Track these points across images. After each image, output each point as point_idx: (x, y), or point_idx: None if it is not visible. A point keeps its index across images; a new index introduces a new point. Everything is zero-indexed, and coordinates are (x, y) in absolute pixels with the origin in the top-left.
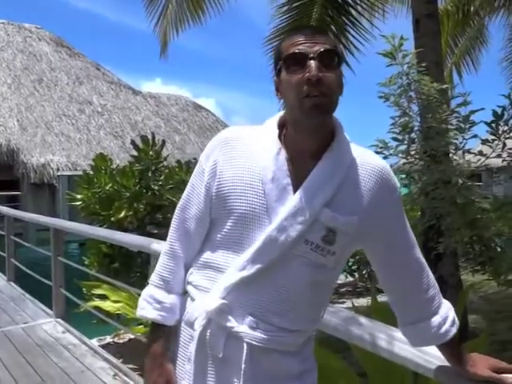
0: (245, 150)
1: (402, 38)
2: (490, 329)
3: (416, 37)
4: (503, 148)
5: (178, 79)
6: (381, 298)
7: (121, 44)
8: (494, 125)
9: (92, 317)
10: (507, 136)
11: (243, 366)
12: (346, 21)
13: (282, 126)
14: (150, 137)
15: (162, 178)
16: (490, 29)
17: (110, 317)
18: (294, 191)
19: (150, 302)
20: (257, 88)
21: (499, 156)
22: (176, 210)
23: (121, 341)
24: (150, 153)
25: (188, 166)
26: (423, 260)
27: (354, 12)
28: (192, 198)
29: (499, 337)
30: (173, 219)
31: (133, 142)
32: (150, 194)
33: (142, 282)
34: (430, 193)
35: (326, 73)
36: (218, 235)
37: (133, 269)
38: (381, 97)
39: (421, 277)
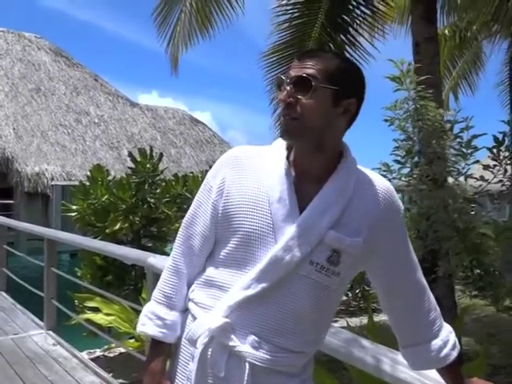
0: (253, 170)
1: (409, 63)
2: (481, 351)
3: (415, 60)
4: (504, 174)
5: (174, 92)
6: (375, 318)
7: (118, 56)
8: (495, 150)
9: (83, 329)
10: (508, 162)
11: None
12: (346, 40)
13: (290, 146)
14: (147, 149)
15: (158, 191)
16: (486, 53)
17: (101, 330)
18: (301, 212)
19: (151, 319)
20: (253, 103)
21: (500, 181)
22: (181, 227)
23: (111, 354)
24: (148, 165)
25: (184, 180)
26: (425, 282)
27: (353, 32)
28: (198, 215)
29: (491, 360)
30: (178, 235)
31: (130, 154)
32: (145, 206)
33: (135, 296)
34: (431, 216)
35: (303, 98)
36: (223, 253)
37: (126, 282)
38: (386, 120)
39: (422, 299)
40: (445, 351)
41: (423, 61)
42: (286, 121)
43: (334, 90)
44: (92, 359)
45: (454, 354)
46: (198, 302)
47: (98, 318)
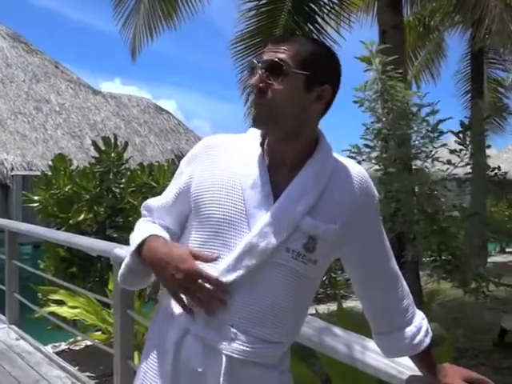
0: (226, 157)
1: (379, 44)
2: (448, 336)
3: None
4: (471, 157)
5: (138, 80)
6: (343, 305)
7: (80, 43)
8: (461, 135)
9: (47, 323)
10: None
11: (221, 379)
12: (313, 29)
13: (265, 134)
14: (110, 138)
15: (123, 180)
16: (448, 43)
17: (66, 323)
18: (275, 199)
19: (137, 231)
20: (219, 92)
21: (467, 165)
22: (143, 206)
23: (77, 347)
24: (112, 154)
25: (150, 170)
26: (398, 270)
27: (320, 20)
28: (166, 193)
29: (455, 344)
30: (142, 212)
31: (94, 143)
32: (110, 196)
33: (100, 288)
34: (399, 200)
35: (275, 84)
36: (196, 242)
37: (91, 274)
38: (355, 101)
39: (396, 287)
40: (418, 338)
41: (389, 48)
42: (257, 107)
43: (306, 75)
44: (57, 353)
45: (427, 340)
46: None
47: (63, 310)
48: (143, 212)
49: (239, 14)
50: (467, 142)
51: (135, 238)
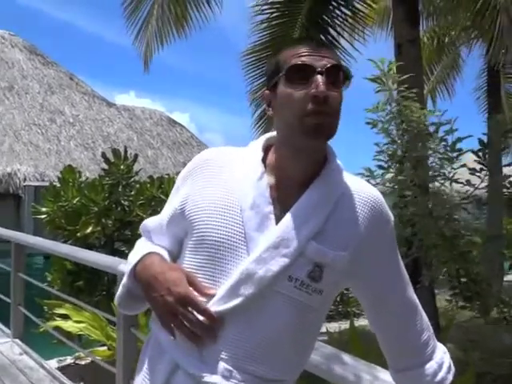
0: (224, 174)
1: (391, 62)
2: (465, 359)
3: (397, 62)
4: (489, 176)
5: (152, 92)
6: (355, 323)
7: (96, 56)
8: (480, 153)
9: (52, 337)
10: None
11: None
12: (326, 41)
13: (266, 148)
14: (121, 150)
15: (132, 193)
16: (464, 58)
17: (71, 338)
18: (277, 221)
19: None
20: (231, 105)
21: (488, 186)
22: (142, 226)
23: (82, 362)
24: (121, 167)
25: (160, 182)
26: (416, 300)
27: (333, 32)
28: (158, 216)
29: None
30: (141, 231)
31: (103, 155)
32: (119, 209)
33: (107, 302)
34: (416, 224)
35: (332, 91)
36: (190, 266)
37: (98, 288)
38: (368, 123)
39: (414, 319)
40: (440, 375)
41: (405, 63)
42: (324, 117)
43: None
44: (62, 367)
45: (450, 377)
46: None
47: (68, 325)
48: (142, 233)
49: (251, 25)
50: (487, 161)
51: (133, 257)
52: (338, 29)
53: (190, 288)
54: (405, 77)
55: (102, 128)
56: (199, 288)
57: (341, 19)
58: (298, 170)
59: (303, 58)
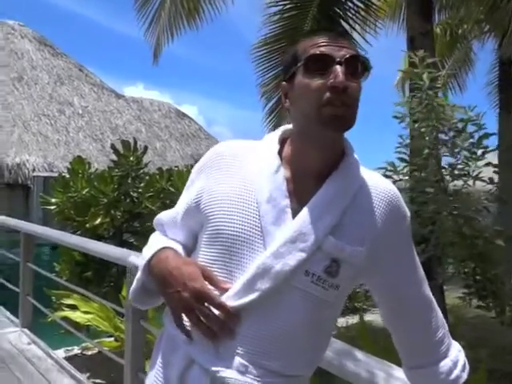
0: (240, 167)
1: (426, 56)
2: (474, 356)
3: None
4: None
5: (161, 85)
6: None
7: (105, 47)
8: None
9: (60, 327)
10: None
11: None
12: (344, 32)
13: (283, 141)
14: (129, 142)
15: (141, 185)
16: (476, 52)
17: (79, 328)
18: (294, 214)
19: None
20: (240, 99)
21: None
22: (155, 220)
23: (89, 353)
24: (131, 158)
25: (169, 174)
26: (432, 297)
27: (346, 26)
28: (173, 210)
29: (480, 365)
30: (155, 226)
31: (113, 146)
32: (128, 201)
33: (115, 294)
34: (436, 222)
35: (351, 82)
36: (205, 260)
37: (106, 279)
38: (396, 117)
39: (429, 316)
40: (455, 373)
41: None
42: (343, 108)
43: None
44: (69, 357)
45: (465, 376)
46: None
47: (76, 315)
48: (155, 226)
49: (263, 18)
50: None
51: (147, 251)
52: (350, 21)
53: (206, 282)
54: (441, 73)
55: (111, 119)
56: (215, 282)
57: (353, 11)
58: (315, 163)
59: (322, 49)
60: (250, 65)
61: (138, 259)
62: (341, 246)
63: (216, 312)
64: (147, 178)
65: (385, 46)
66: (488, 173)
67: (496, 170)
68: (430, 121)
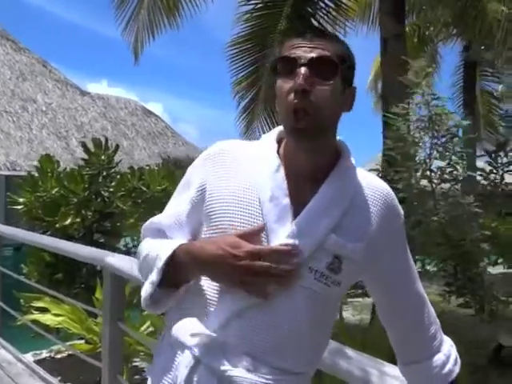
0: (240, 167)
1: (427, 67)
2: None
3: (383, 57)
4: (501, 181)
5: (126, 82)
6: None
7: (67, 43)
8: (493, 155)
9: (30, 330)
10: (506, 169)
11: None
12: (329, 32)
13: (281, 140)
14: (100, 140)
15: (113, 184)
16: (442, 55)
17: (49, 331)
18: (295, 213)
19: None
20: (207, 97)
21: (496, 187)
22: (148, 226)
23: (59, 356)
24: (102, 157)
25: (141, 173)
26: (425, 294)
27: (317, 25)
28: (172, 210)
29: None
30: (144, 233)
31: (84, 145)
32: (99, 200)
33: (86, 295)
34: (421, 224)
35: (320, 84)
36: None
37: (77, 280)
38: (391, 124)
39: (422, 312)
40: (448, 367)
41: (391, 58)
42: (300, 116)
43: (345, 76)
44: (39, 361)
45: (457, 369)
46: (180, 318)
47: (46, 318)
48: (147, 232)
49: (236, 16)
50: (498, 164)
51: (161, 253)
52: (322, 21)
53: (249, 243)
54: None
55: (76, 117)
56: (249, 234)
57: (324, 11)
58: (304, 164)
59: (293, 50)
60: (218, 63)
61: (117, 256)
62: (342, 243)
63: (278, 255)
64: (118, 177)
65: (355, 47)
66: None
67: (480, 173)
68: (429, 129)
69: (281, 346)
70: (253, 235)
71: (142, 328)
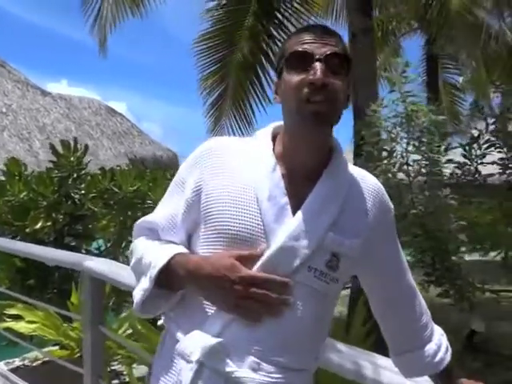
0: (235, 165)
1: (407, 64)
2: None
3: (352, 52)
4: (475, 173)
5: (86, 81)
6: None
7: (25, 42)
8: (468, 148)
9: (3, 339)
10: (480, 161)
11: None
12: (277, 29)
13: (275, 138)
14: (68, 141)
15: (83, 186)
16: (404, 48)
17: (23, 339)
18: (293, 211)
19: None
20: (170, 95)
21: (472, 180)
22: (140, 224)
23: (33, 364)
24: (72, 159)
25: (112, 174)
26: (415, 285)
27: (282, 19)
28: (166, 210)
29: None
30: (137, 232)
31: (52, 147)
32: (70, 203)
33: (59, 300)
34: (398, 217)
35: (333, 79)
36: None
37: (49, 285)
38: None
39: (414, 303)
40: (439, 355)
41: (359, 53)
42: (322, 104)
43: (348, 71)
44: (12, 369)
45: (448, 357)
46: (180, 320)
47: (20, 326)
48: (140, 231)
49: (203, 12)
50: (473, 156)
51: (154, 259)
52: (287, 15)
53: (246, 269)
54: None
55: (38, 118)
56: (247, 256)
57: (290, 6)
58: (305, 160)
59: (305, 46)
60: (179, 60)
61: (96, 260)
62: (340, 241)
63: (268, 293)
64: (89, 178)
65: None
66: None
67: (456, 165)
68: (406, 125)
69: (284, 344)
70: (251, 259)
71: (120, 331)
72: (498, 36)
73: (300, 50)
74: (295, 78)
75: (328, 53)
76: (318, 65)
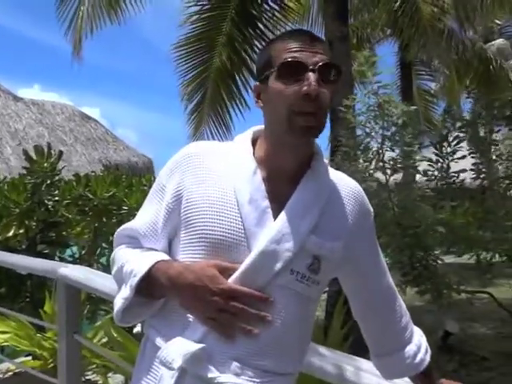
0: (215, 169)
1: (374, 55)
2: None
3: None
4: (447, 170)
5: (59, 86)
6: None
7: None
8: (438, 146)
9: None
10: (451, 158)
11: None
12: (254, 34)
13: (255, 142)
14: (42, 147)
15: (57, 192)
16: (378, 55)
17: None
18: (275, 215)
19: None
20: (144, 101)
21: (444, 177)
22: (121, 232)
23: (5, 375)
24: (45, 165)
25: (87, 180)
26: (394, 287)
27: (262, 27)
28: (146, 216)
29: None
30: (118, 240)
31: (26, 153)
32: (43, 209)
33: (32, 309)
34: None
35: (323, 88)
36: None
37: (21, 294)
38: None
39: (394, 304)
40: (419, 356)
41: (336, 60)
42: (313, 118)
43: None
44: None
45: (428, 358)
46: (161, 327)
47: None
48: (120, 239)
49: (183, 18)
50: (444, 153)
51: (136, 267)
52: (264, 21)
53: (227, 281)
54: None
55: (9, 124)
56: (224, 269)
57: (269, 13)
58: (288, 164)
59: (295, 54)
60: (155, 66)
61: (70, 267)
62: (322, 244)
63: (248, 310)
64: (63, 184)
65: None
66: (423, 166)
67: (430, 163)
68: (379, 118)
69: (266, 348)
70: (231, 270)
71: (96, 340)
72: (466, 44)
73: (291, 60)
74: (287, 88)
75: (321, 64)
76: (311, 76)
